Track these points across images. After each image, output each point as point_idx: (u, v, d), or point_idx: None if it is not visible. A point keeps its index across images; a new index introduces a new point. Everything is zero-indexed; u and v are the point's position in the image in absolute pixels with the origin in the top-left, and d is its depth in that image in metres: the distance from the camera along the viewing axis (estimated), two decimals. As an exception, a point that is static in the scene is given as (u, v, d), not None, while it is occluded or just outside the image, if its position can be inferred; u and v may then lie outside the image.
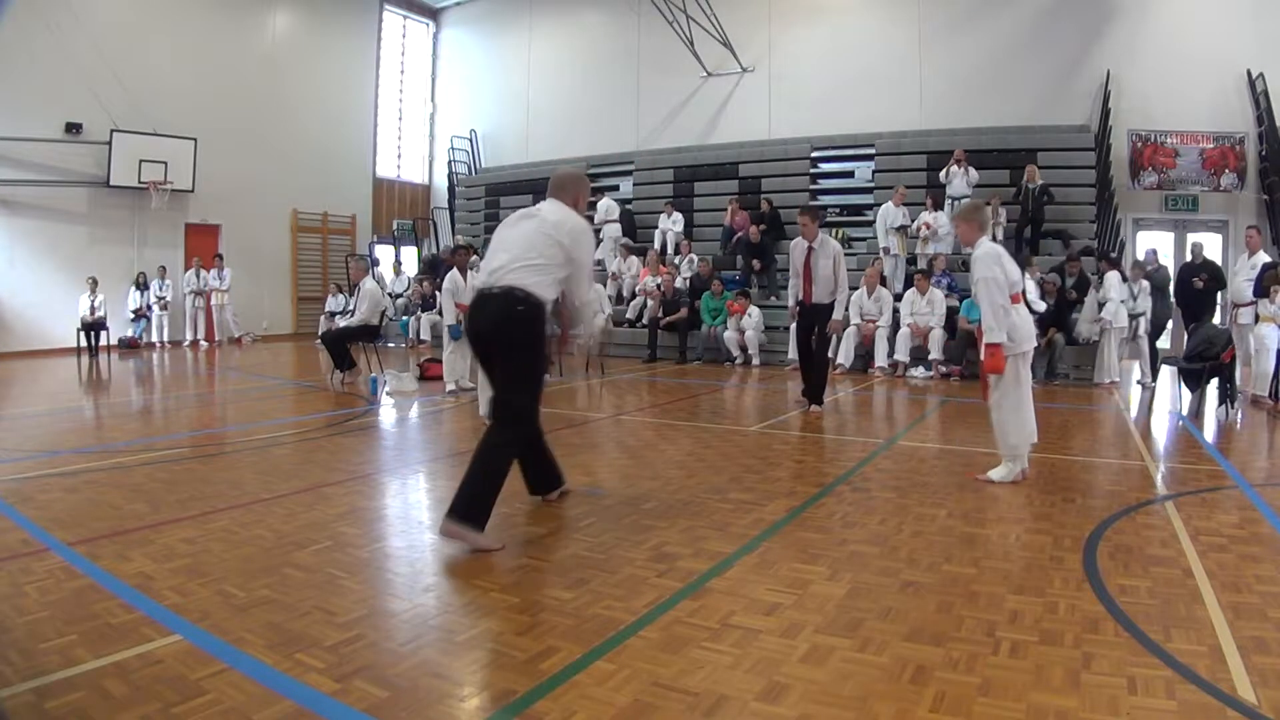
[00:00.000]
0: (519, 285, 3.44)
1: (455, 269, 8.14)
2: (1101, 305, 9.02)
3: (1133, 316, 8.93)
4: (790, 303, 7.20)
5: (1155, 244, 11.42)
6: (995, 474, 4.58)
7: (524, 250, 3.51)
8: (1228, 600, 2.79)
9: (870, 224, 12.46)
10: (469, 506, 3.28)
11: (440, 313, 9.10)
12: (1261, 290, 7.96)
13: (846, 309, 7.27)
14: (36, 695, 2.13)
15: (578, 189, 3.86)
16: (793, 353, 9.17)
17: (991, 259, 4.41)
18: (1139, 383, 9.18)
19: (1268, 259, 8.36)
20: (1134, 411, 7.57)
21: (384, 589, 2.98)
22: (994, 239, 5.57)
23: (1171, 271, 10.40)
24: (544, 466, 4.02)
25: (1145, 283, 8.92)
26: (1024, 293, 4.68)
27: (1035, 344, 4.75)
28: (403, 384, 8.33)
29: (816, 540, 3.51)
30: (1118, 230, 11.53)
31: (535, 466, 3.98)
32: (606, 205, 14.24)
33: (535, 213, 3.68)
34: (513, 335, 3.47)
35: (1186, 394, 8.08)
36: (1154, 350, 8.93)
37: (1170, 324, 10.02)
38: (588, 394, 8.76)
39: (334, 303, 13.80)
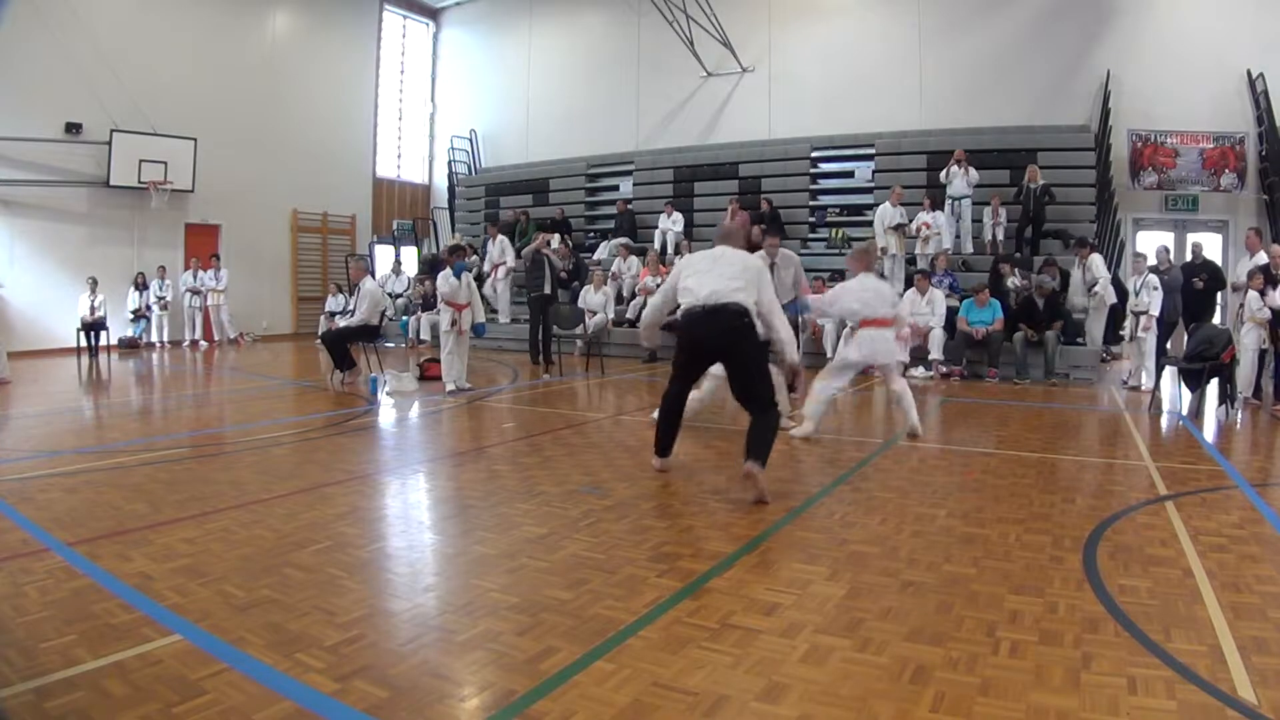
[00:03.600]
0: (738, 302, 4.26)
1: (450, 269, 8.17)
2: (1091, 286, 9.43)
3: (1136, 314, 8.89)
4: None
5: (1156, 244, 11.39)
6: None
7: (733, 281, 4.34)
8: (1228, 600, 2.79)
9: (870, 224, 12.45)
10: (754, 453, 4.12)
11: (439, 312, 9.08)
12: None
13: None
14: (36, 695, 2.14)
15: (740, 236, 4.92)
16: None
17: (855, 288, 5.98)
18: (1124, 382, 9.14)
19: (1266, 260, 8.35)
20: (1134, 411, 7.57)
21: (384, 589, 2.98)
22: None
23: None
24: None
25: (1152, 277, 8.88)
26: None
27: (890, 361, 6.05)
28: (403, 384, 8.32)
29: (816, 540, 3.51)
30: (1118, 230, 11.52)
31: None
32: (502, 244, 13.69)
33: (722, 255, 4.55)
34: (744, 340, 4.30)
35: (1186, 394, 8.08)
36: (1162, 349, 8.91)
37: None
38: (588, 394, 8.76)
39: (334, 303, 13.77)
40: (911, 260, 11.60)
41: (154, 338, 13.78)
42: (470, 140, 18.39)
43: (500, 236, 13.84)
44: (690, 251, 12.81)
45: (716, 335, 4.31)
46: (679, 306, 4.60)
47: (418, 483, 4.76)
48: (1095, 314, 9.81)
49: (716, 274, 4.39)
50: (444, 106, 19.22)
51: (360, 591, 2.91)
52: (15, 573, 3.04)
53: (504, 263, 13.55)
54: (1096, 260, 9.69)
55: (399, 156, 18.95)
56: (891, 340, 6.06)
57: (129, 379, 10.22)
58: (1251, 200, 11.55)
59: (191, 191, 14.20)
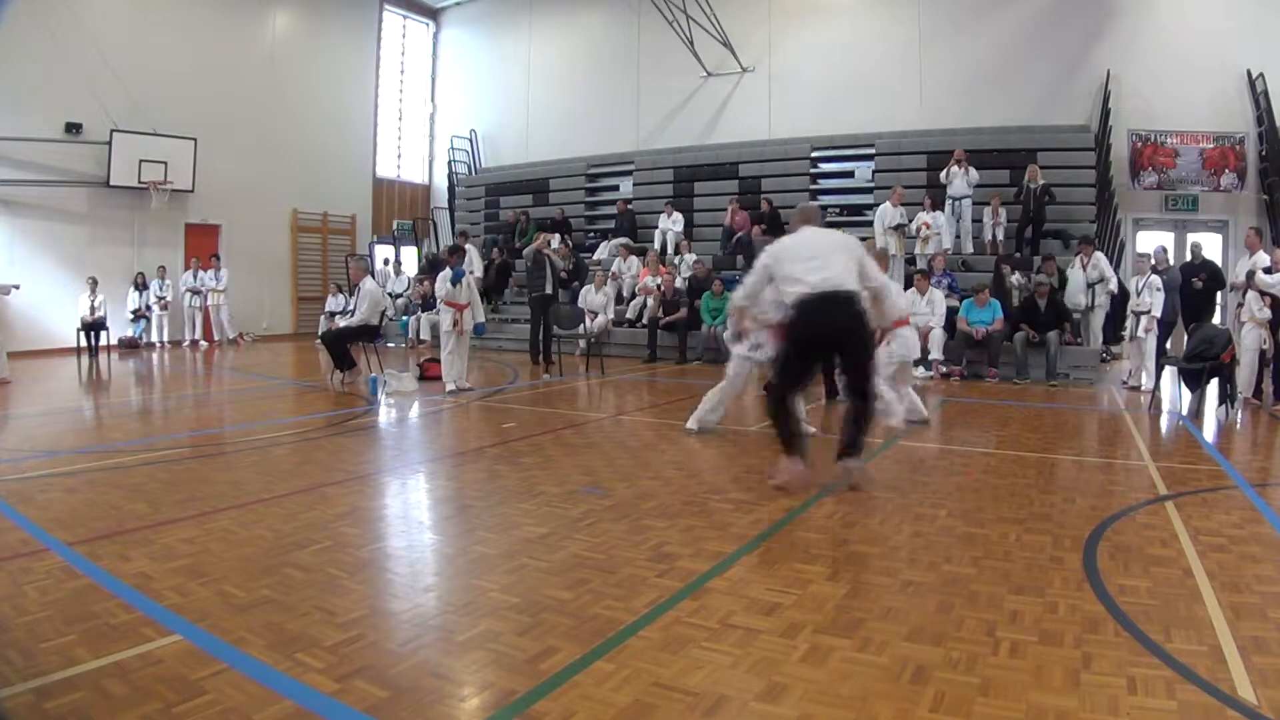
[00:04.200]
0: (850, 289, 4.30)
1: (449, 269, 8.20)
2: (1095, 283, 9.53)
3: (1137, 314, 8.90)
4: None
5: (1155, 244, 11.40)
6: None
7: (843, 264, 4.35)
8: (1228, 600, 2.79)
9: (870, 224, 12.45)
10: (857, 446, 4.37)
11: (439, 312, 9.08)
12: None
13: None
14: (36, 695, 2.14)
15: (818, 214, 4.89)
16: None
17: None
18: (1124, 382, 9.14)
19: (1268, 260, 8.36)
20: (1134, 411, 7.57)
21: (384, 589, 2.98)
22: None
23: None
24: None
25: (1155, 278, 8.88)
26: None
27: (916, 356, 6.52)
28: (402, 384, 8.32)
29: (816, 540, 3.51)
30: (1118, 230, 11.52)
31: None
32: (470, 254, 13.10)
33: (819, 238, 4.51)
34: (861, 328, 4.36)
35: (1186, 394, 8.08)
36: (1161, 349, 8.91)
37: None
38: (588, 394, 8.76)
39: (334, 303, 13.77)
40: (911, 260, 11.60)
41: (154, 338, 13.78)
42: (470, 140, 18.39)
43: (469, 246, 13.72)
44: (690, 251, 12.99)
45: (837, 323, 4.28)
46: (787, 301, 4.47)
47: (418, 483, 4.76)
48: (1099, 311, 9.88)
49: (824, 260, 4.34)
50: (444, 106, 19.22)
51: (360, 591, 2.91)
52: (15, 573, 3.04)
53: (472, 272, 13.46)
54: (1100, 258, 9.75)
55: (399, 156, 18.94)
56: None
57: (129, 379, 10.21)
58: (1251, 200, 11.55)
59: (191, 191, 14.20)
